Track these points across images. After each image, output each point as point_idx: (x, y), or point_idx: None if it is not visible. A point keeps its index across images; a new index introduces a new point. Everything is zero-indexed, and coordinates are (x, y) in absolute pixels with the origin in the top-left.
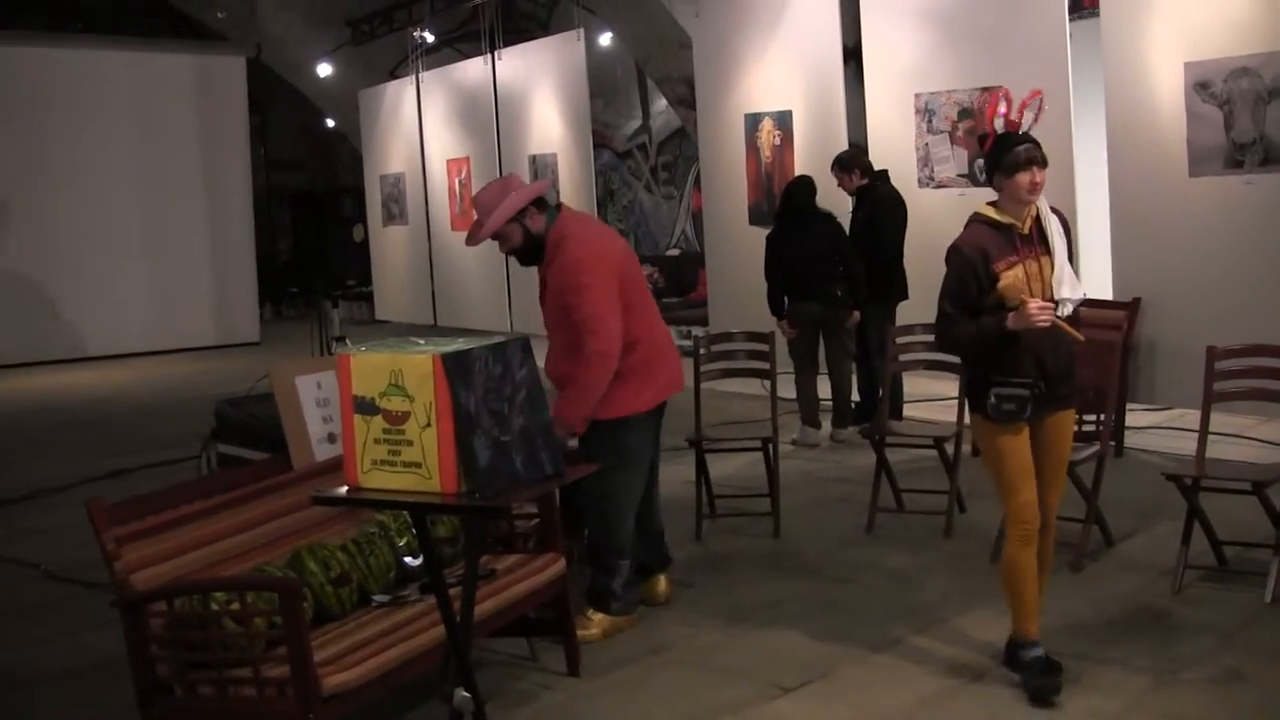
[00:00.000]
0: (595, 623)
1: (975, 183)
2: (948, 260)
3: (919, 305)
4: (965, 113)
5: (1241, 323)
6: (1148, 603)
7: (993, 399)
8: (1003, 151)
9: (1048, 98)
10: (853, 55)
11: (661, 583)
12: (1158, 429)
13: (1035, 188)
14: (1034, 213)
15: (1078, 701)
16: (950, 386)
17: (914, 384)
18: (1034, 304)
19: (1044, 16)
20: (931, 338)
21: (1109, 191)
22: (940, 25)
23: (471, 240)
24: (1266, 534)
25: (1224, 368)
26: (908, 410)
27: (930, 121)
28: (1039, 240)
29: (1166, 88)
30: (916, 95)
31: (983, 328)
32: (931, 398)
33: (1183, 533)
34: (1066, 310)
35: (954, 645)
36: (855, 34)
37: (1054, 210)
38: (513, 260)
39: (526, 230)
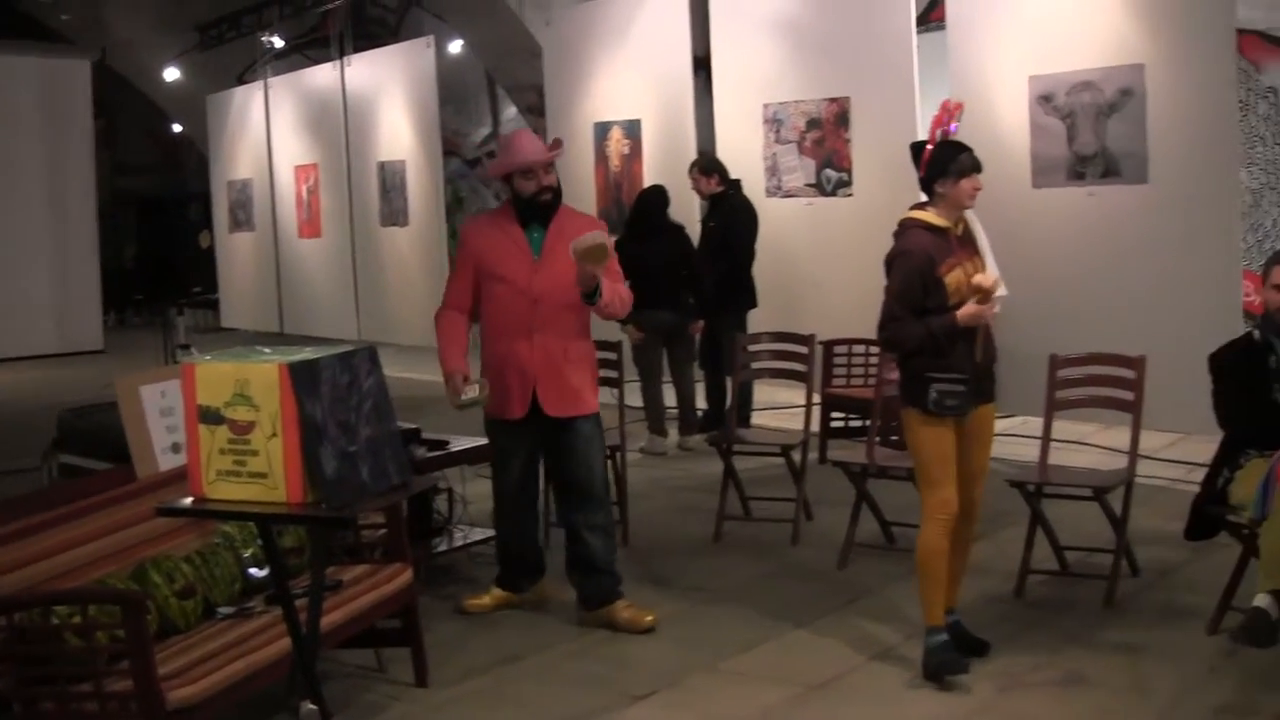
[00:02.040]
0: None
1: (822, 193)
2: (894, 264)
3: (768, 313)
4: (813, 123)
5: (1083, 331)
6: (993, 607)
7: (934, 394)
8: (949, 159)
9: (896, 110)
10: (702, 65)
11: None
12: (1002, 436)
13: (976, 193)
14: (963, 217)
15: (924, 705)
16: (798, 394)
17: (762, 392)
18: (974, 300)
19: (891, 28)
20: (780, 345)
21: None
22: (789, 36)
23: (554, 148)
24: (1107, 539)
25: (1066, 376)
26: (756, 418)
27: (778, 131)
28: (970, 242)
29: (1011, 100)
30: (765, 105)
31: (934, 326)
32: (779, 406)
33: (1026, 538)
34: (996, 309)
35: (801, 653)
36: (705, 44)
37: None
38: (361, 267)
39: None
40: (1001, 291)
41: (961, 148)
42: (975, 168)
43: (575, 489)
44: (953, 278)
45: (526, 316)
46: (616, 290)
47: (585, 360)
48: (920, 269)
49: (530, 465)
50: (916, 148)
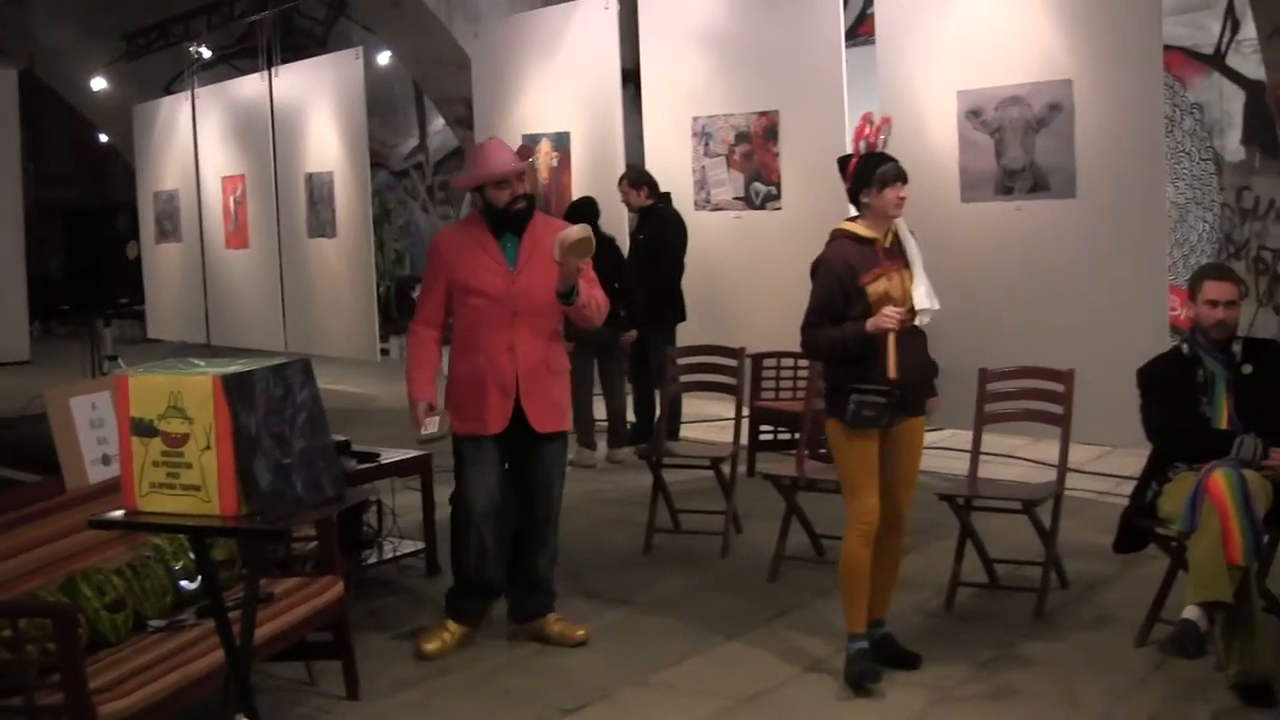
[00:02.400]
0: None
1: (751, 206)
2: (813, 273)
3: (697, 326)
4: (742, 136)
5: (1012, 345)
6: (923, 620)
7: (853, 405)
8: (872, 169)
9: (824, 124)
10: (631, 78)
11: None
12: (932, 449)
13: (901, 202)
14: (893, 228)
15: (854, 718)
16: (727, 407)
17: (691, 405)
18: (886, 310)
19: (820, 43)
20: (709, 359)
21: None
22: (718, 50)
23: (524, 155)
24: (1036, 551)
25: (995, 389)
26: (685, 431)
27: (707, 145)
28: (899, 253)
29: (940, 115)
30: (694, 118)
31: (845, 333)
32: (709, 419)
33: (956, 550)
34: (925, 320)
35: (731, 666)
36: (634, 56)
37: (910, 231)
38: (289, 278)
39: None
40: (928, 304)
41: (885, 158)
42: (899, 177)
43: (534, 505)
44: (876, 287)
45: (507, 329)
46: (593, 294)
47: (564, 371)
48: (840, 277)
49: (505, 481)
50: (843, 160)
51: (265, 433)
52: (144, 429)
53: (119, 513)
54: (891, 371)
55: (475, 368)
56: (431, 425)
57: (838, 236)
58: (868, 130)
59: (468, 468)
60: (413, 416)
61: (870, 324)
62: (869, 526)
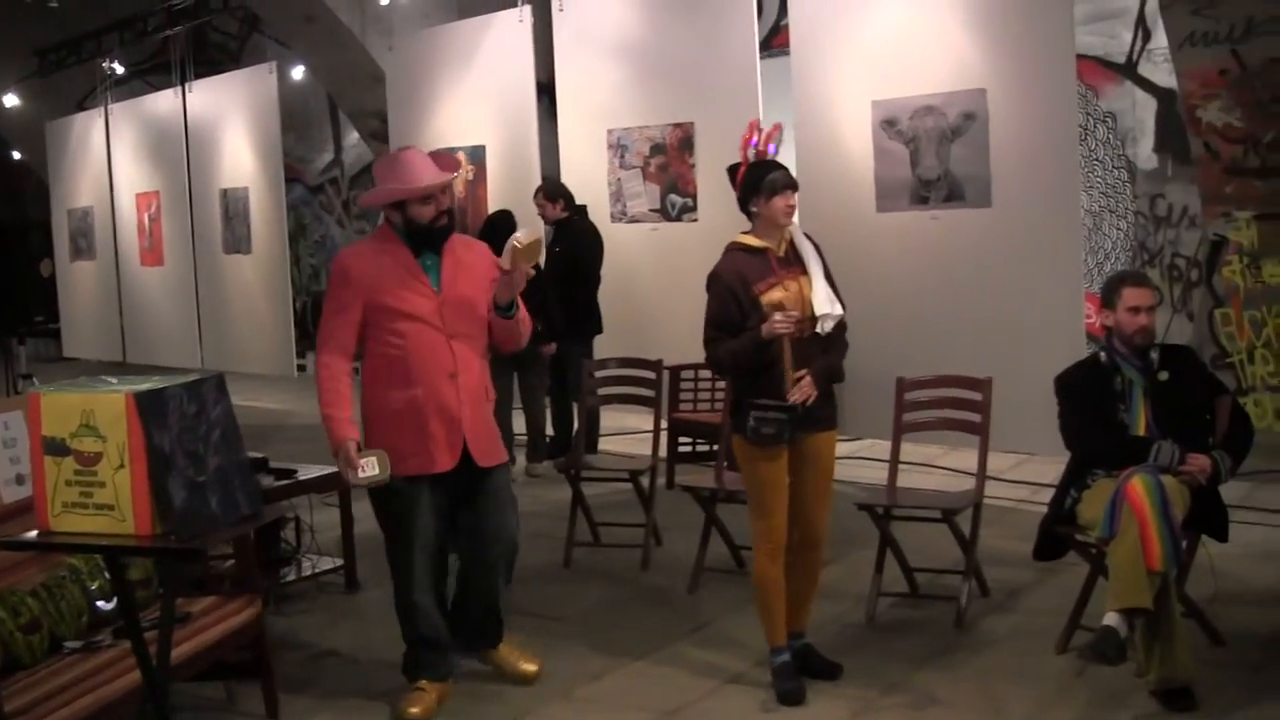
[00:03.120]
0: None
1: (667, 218)
2: (708, 287)
3: (614, 339)
4: (658, 148)
5: (928, 354)
6: (844, 630)
7: (752, 422)
8: (760, 178)
9: (739, 134)
10: (546, 90)
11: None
12: (849, 459)
13: (790, 209)
14: (788, 237)
15: None
16: (645, 420)
17: (610, 418)
18: (777, 315)
19: (735, 54)
20: (627, 371)
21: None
22: (632, 61)
23: (454, 167)
24: (955, 559)
25: (913, 398)
26: (603, 444)
27: (623, 157)
28: (795, 261)
29: (855, 125)
30: (609, 130)
31: (742, 342)
32: (627, 431)
33: (876, 560)
34: (827, 326)
35: (654, 679)
36: (549, 69)
37: (806, 235)
38: (204, 295)
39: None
40: (829, 309)
41: (773, 166)
42: (788, 185)
43: (489, 543)
44: (770, 297)
45: (446, 354)
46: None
47: (494, 398)
48: (732, 289)
49: (443, 525)
50: (732, 169)
51: (179, 450)
52: (56, 448)
53: (32, 533)
54: (789, 385)
55: (411, 400)
56: (370, 467)
57: (731, 249)
58: (755, 138)
59: (409, 513)
60: (343, 460)
61: (764, 329)
62: (774, 546)
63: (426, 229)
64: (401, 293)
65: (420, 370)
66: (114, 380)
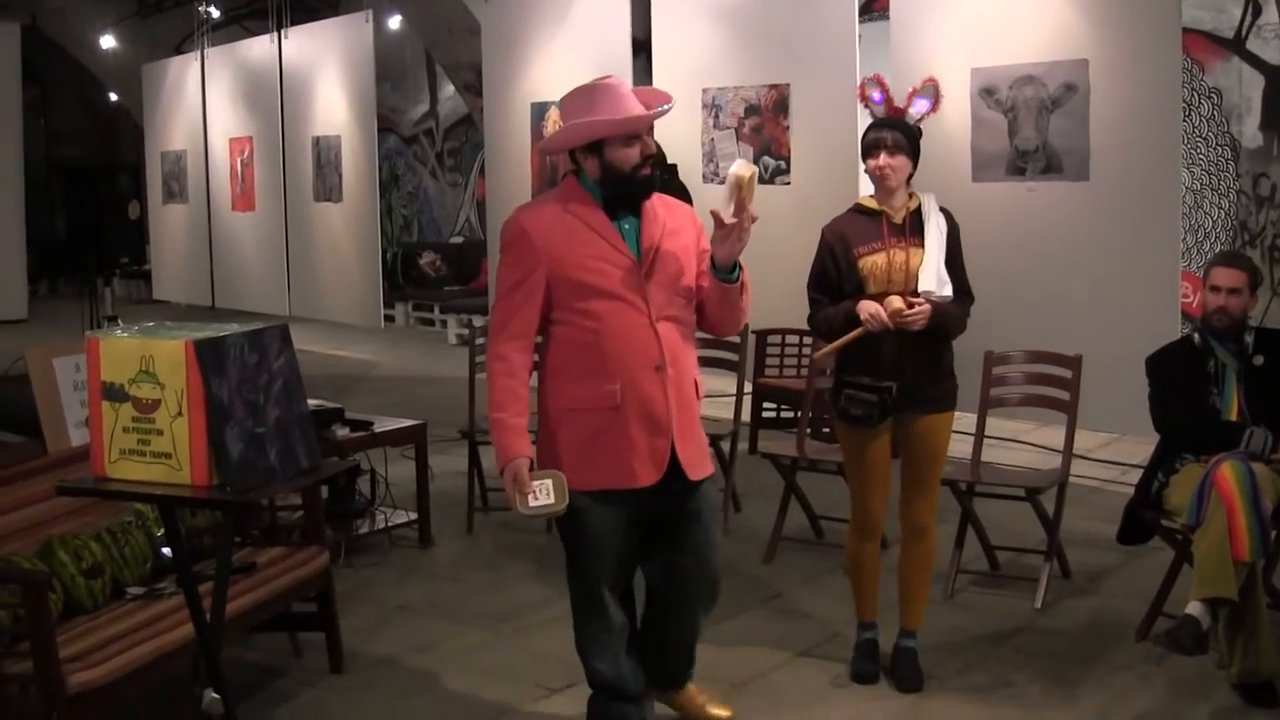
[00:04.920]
0: None
1: (760, 180)
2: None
3: None
4: (752, 109)
5: (1019, 328)
6: None
7: (843, 401)
8: (864, 138)
9: (836, 99)
10: (642, 48)
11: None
12: None
13: (879, 171)
14: (913, 204)
15: (848, 706)
16: (728, 383)
17: None
18: (872, 311)
19: (834, 17)
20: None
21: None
22: (730, 22)
23: (655, 102)
24: (1038, 539)
25: (1001, 373)
26: None
27: (717, 117)
28: (913, 232)
29: (953, 92)
30: (704, 90)
31: (833, 312)
32: (710, 395)
33: (956, 536)
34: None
35: (725, 649)
36: (645, 26)
37: (943, 210)
38: (294, 242)
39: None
40: (933, 288)
41: (884, 124)
42: (877, 144)
43: (696, 576)
44: (869, 262)
45: (652, 344)
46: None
47: (703, 396)
48: (831, 249)
49: (637, 549)
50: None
51: (238, 400)
52: (115, 393)
53: (89, 479)
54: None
55: (607, 398)
56: (545, 493)
57: (851, 208)
58: (877, 95)
59: (597, 538)
60: (509, 480)
61: (861, 306)
62: (864, 527)
63: (628, 179)
64: (594, 263)
65: (619, 361)
66: (176, 326)
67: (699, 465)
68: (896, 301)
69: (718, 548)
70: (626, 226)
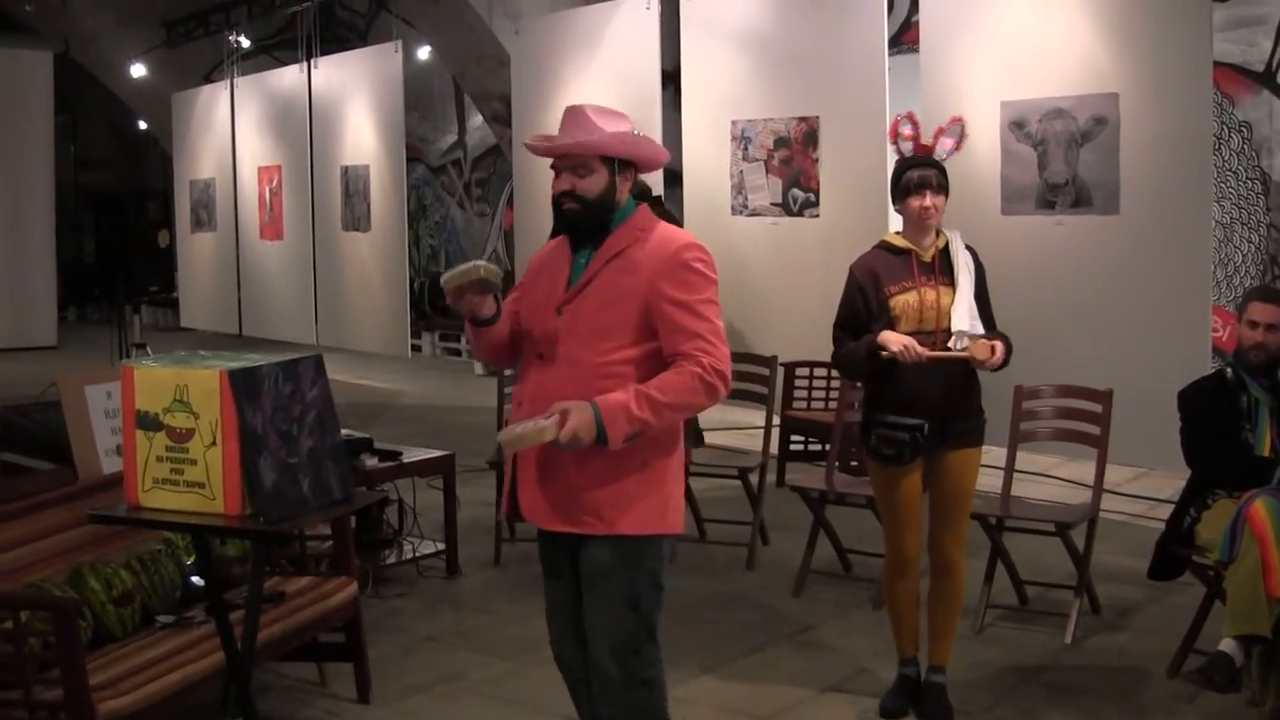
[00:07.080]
0: None
1: (788, 212)
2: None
3: (729, 333)
4: (781, 141)
5: (1048, 362)
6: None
7: (874, 440)
8: (900, 174)
9: (865, 131)
10: (671, 79)
11: None
12: None
13: (925, 212)
14: (941, 243)
15: None
16: (757, 416)
17: (720, 411)
18: (894, 344)
19: (863, 50)
20: (740, 366)
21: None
22: (760, 53)
23: (566, 139)
24: (1067, 573)
25: (1031, 407)
26: (714, 438)
27: (746, 149)
28: (942, 270)
29: (982, 125)
30: (733, 122)
31: (855, 346)
32: (739, 426)
33: (986, 571)
34: (963, 343)
35: (751, 682)
36: (675, 58)
37: (968, 248)
38: (323, 271)
39: (612, 185)
40: (965, 327)
41: (918, 163)
42: (923, 184)
43: (590, 651)
44: (900, 301)
45: (549, 377)
46: (650, 405)
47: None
48: (862, 287)
49: (572, 602)
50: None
51: (272, 430)
52: (149, 422)
53: (121, 508)
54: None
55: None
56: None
57: (877, 246)
58: (909, 131)
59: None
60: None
61: (882, 338)
62: (898, 564)
63: (554, 206)
64: (534, 292)
65: (522, 387)
66: (209, 355)
67: (553, 516)
68: (982, 353)
69: (617, 632)
70: (583, 260)
